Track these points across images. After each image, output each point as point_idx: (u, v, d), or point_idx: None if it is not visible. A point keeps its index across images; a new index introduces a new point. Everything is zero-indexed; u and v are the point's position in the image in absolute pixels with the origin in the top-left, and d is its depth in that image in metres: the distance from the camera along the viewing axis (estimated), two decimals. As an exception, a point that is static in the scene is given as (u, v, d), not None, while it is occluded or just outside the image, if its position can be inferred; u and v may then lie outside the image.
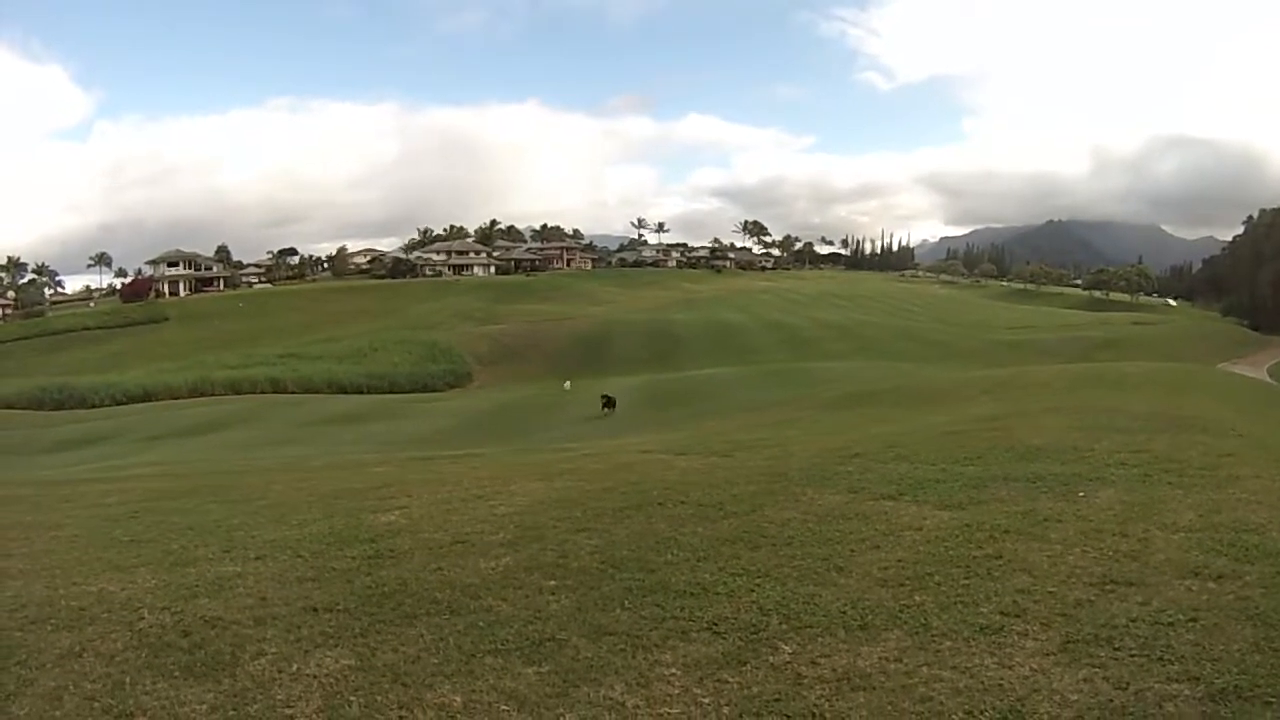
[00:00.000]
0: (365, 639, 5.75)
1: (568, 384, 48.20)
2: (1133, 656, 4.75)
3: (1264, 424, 16.14)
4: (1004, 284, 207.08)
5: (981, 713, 4.32)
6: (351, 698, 4.93)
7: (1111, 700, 4.33)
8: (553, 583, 6.73)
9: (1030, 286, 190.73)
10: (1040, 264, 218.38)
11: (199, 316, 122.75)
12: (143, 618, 6.40)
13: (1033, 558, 6.49)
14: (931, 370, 46.71)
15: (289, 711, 4.85)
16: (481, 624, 5.91)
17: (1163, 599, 5.47)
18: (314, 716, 4.78)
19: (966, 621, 5.36)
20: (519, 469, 13.27)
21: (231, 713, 4.86)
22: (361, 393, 67.15)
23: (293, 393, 67.33)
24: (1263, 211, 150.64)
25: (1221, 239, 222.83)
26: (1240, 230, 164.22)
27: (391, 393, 67.14)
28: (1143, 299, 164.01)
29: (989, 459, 10.51)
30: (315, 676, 5.25)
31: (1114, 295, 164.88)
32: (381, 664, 5.34)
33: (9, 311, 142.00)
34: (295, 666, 5.40)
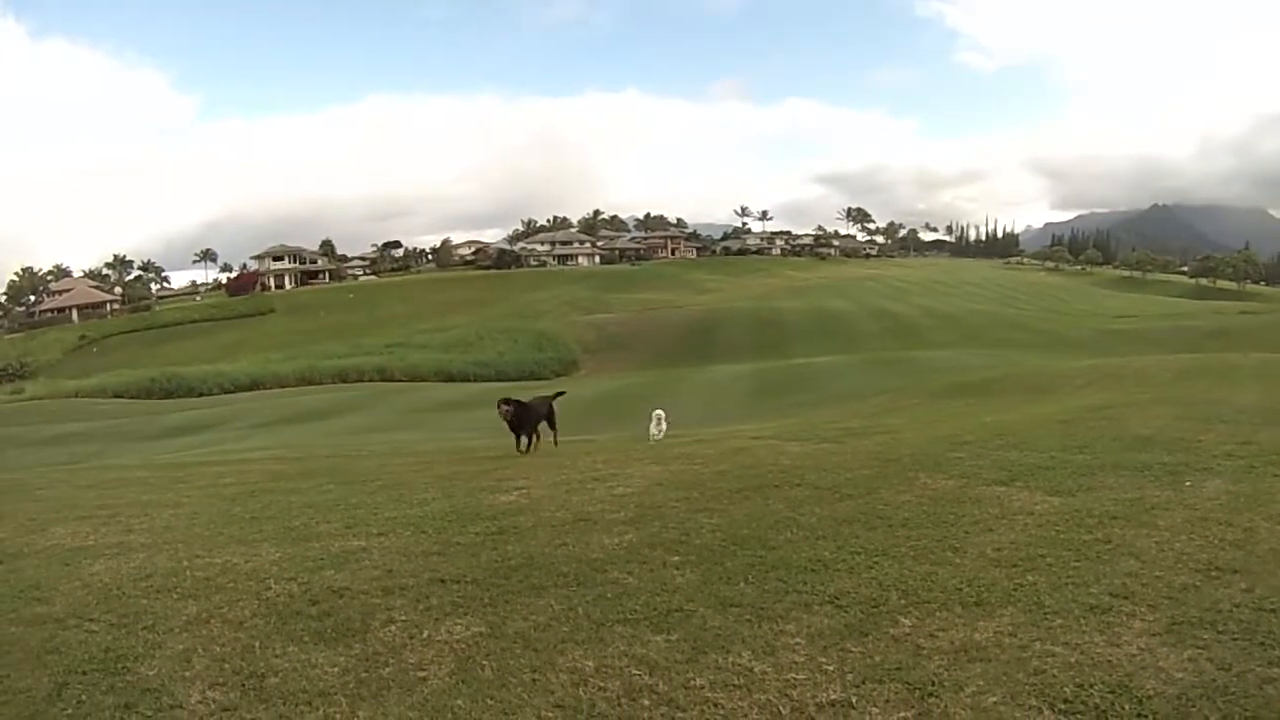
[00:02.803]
0: (494, 608, 5.97)
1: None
2: (1235, 640, 4.84)
3: None
4: (1110, 271, 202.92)
5: (1091, 686, 4.47)
6: (484, 661, 5.16)
7: (1214, 680, 4.44)
8: (676, 558, 6.91)
9: (1136, 274, 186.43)
10: (1145, 251, 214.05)
11: (305, 308, 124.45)
12: (269, 588, 6.71)
13: (1140, 543, 6.57)
14: (1038, 359, 46.02)
15: (421, 674, 5.10)
16: (609, 595, 6.11)
17: (1266, 586, 5.54)
18: (447, 678, 5.01)
19: (1077, 601, 5.50)
20: (633, 453, 13.60)
21: (364, 674, 5.13)
22: (469, 381, 67.30)
23: (400, 381, 67.62)
24: None
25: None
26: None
27: (499, 380, 66.95)
28: (1249, 287, 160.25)
29: (1097, 447, 10.48)
30: (446, 642, 5.49)
31: (1220, 283, 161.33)
32: (512, 631, 5.56)
33: (117, 307, 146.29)
34: (426, 633, 5.66)
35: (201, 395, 67.95)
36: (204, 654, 5.50)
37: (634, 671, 4.95)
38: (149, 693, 4.95)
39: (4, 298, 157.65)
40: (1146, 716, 4.21)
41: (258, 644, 5.61)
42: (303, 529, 8.83)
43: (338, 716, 4.65)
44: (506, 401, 15.44)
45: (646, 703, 4.63)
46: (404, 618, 5.94)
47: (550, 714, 4.54)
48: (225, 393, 68.01)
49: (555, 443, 15.68)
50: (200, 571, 7.25)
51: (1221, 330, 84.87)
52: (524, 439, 15.39)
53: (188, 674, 5.23)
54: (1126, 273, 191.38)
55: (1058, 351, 61.34)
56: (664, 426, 15.58)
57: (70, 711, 4.90)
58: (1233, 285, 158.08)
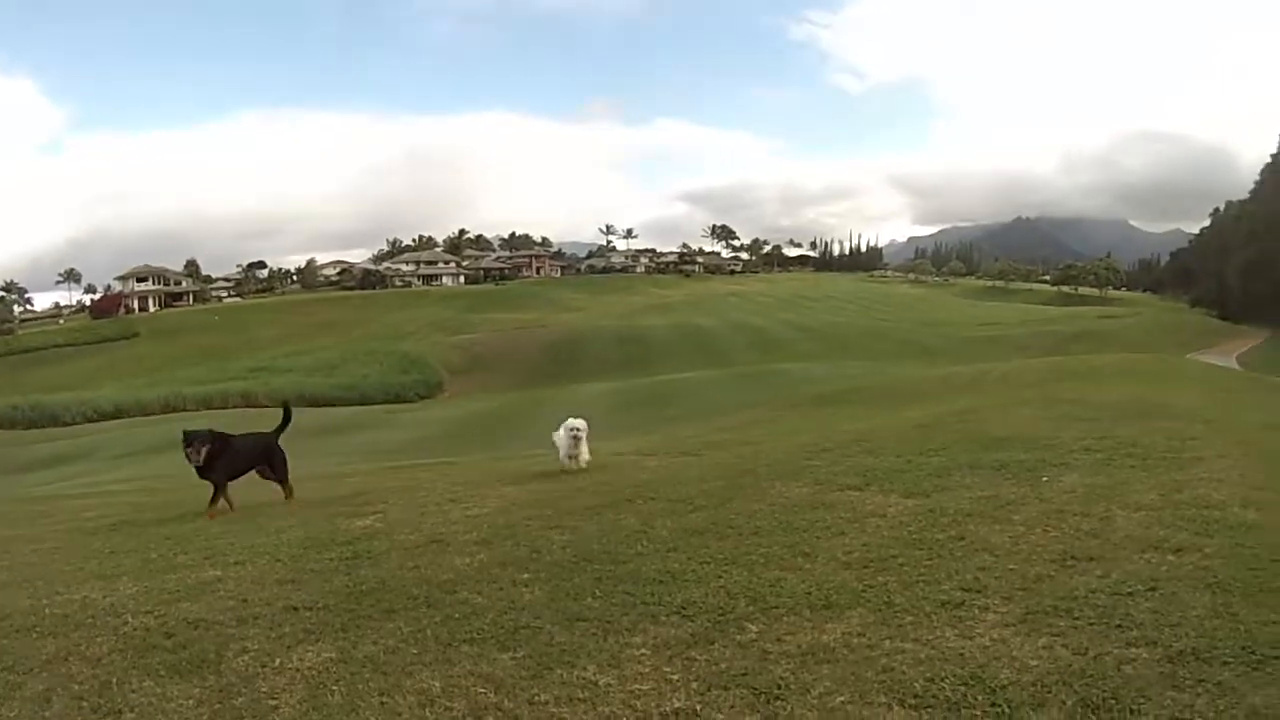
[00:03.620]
0: (345, 634, 5.88)
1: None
2: (1092, 625, 4.87)
3: (1231, 409, 16.23)
4: (973, 281, 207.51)
5: (942, 680, 4.43)
6: (334, 687, 5.07)
7: (1070, 665, 4.45)
8: (526, 575, 6.87)
9: (999, 283, 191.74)
10: (1009, 261, 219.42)
11: (169, 332, 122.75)
12: (126, 622, 6.52)
13: (995, 539, 6.59)
14: (902, 369, 47.00)
15: (273, 702, 4.99)
16: (458, 615, 6.06)
17: (1122, 571, 5.60)
18: (298, 706, 4.92)
19: (928, 598, 5.49)
20: (492, 474, 13.48)
21: (217, 706, 4.99)
22: (333, 405, 66.34)
23: (265, 406, 66.86)
24: (1229, 203, 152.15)
25: (1189, 231, 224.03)
26: (1207, 223, 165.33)
27: (363, 404, 66.72)
28: (1111, 293, 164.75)
29: (955, 449, 10.62)
30: (298, 670, 5.39)
31: (1083, 290, 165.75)
32: (362, 656, 5.48)
33: None
34: (278, 661, 5.55)
35: (66, 424, 66.99)
36: (63, 693, 5.40)
37: (479, 690, 4.92)
38: None
39: None
40: (1000, 706, 4.20)
41: (115, 680, 5.50)
42: (160, 561, 8.71)
43: None
44: (199, 439, 11.77)
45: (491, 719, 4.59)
46: (257, 647, 5.87)
47: None
48: (90, 421, 67.27)
49: (287, 496, 12.39)
50: (59, 609, 7.14)
51: (1083, 334, 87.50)
52: (221, 494, 11.95)
53: (47, 714, 5.16)
54: (990, 283, 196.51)
55: (921, 360, 62.86)
56: (582, 442, 12.27)
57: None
58: (1095, 292, 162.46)
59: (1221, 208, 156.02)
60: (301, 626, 6.10)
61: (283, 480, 12.49)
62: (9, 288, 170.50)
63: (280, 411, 13.25)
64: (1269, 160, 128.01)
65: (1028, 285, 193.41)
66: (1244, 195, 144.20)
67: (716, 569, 6.42)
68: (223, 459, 11.91)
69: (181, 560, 8.53)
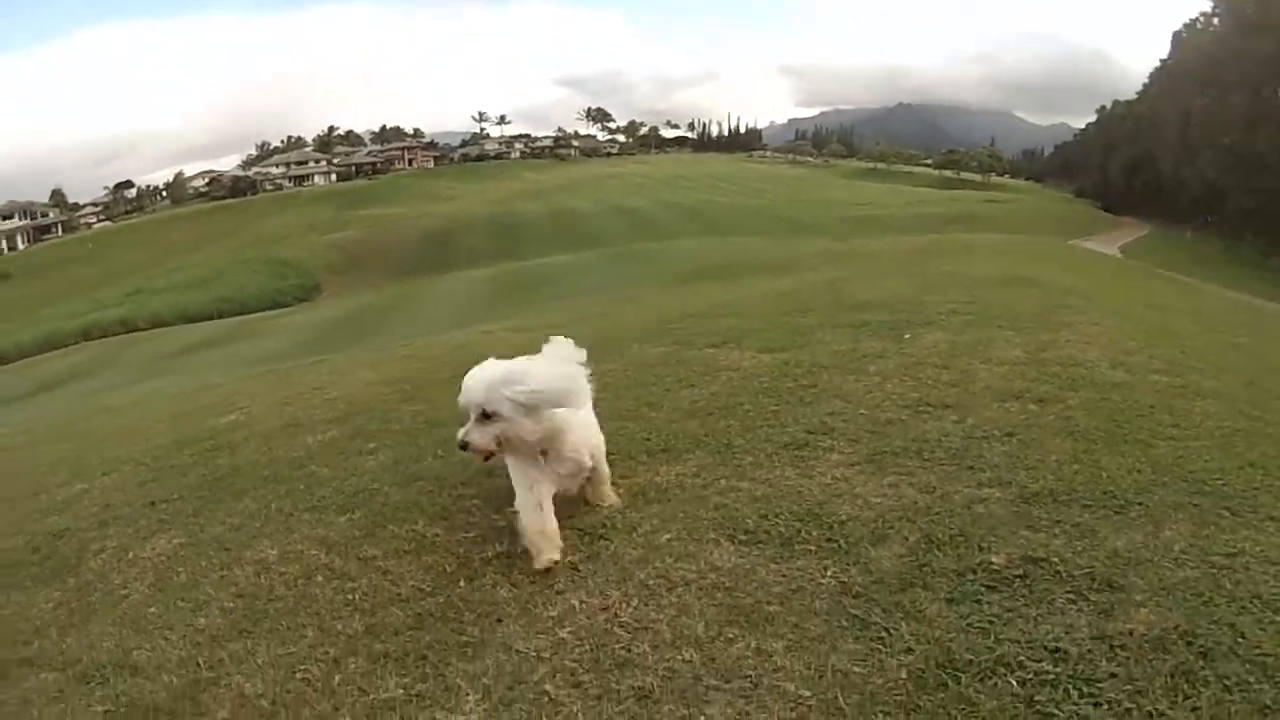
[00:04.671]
0: (196, 519, 6.02)
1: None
2: (942, 465, 4.95)
3: (1110, 290, 16.42)
4: (854, 164, 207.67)
5: (777, 516, 4.50)
6: (180, 569, 5.24)
7: (916, 502, 4.51)
8: (373, 445, 6.98)
9: (880, 166, 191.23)
10: (890, 145, 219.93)
11: (42, 268, 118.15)
12: None
13: (848, 388, 6.67)
14: (778, 245, 47.35)
15: (124, 591, 5.16)
16: (302, 488, 6.19)
17: (979, 418, 5.68)
18: (146, 590, 5.10)
19: (771, 440, 5.58)
20: (362, 363, 13.44)
21: (75, 604, 5.17)
22: (213, 319, 64.41)
23: (144, 329, 64.50)
24: (1116, 102, 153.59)
25: (1075, 126, 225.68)
26: (1093, 119, 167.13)
27: (243, 314, 65.01)
28: (995, 180, 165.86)
29: (818, 312, 10.64)
30: (149, 559, 5.54)
31: (965, 176, 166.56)
32: (209, 537, 5.61)
33: None
34: (131, 554, 5.69)
35: None
36: None
37: (313, 553, 5.09)
38: None
39: None
40: (837, 540, 4.25)
41: None
42: (30, 485, 8.64)
43: (49, 646, 4.72)
44: None
45: (320, 579, 4.76)
46: (114, 544, 5.98)
47: (232, 604, 4.68)
48: None
49: None
50: None
51: (964, 216, 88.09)
52: None
53: None
54: (870, 165, 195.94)
55: (799, 238, 62.89)
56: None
57: None
58: (977, 178, 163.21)
59: (1109, 105, 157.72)
60: (158, 519, 6.21)
61: None
62: None
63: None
64: (1158, 64, 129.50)
65: (909, 169, 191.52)
66: (1128, 96, 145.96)
67: None
68: None
69: (51, 481, 8.49)
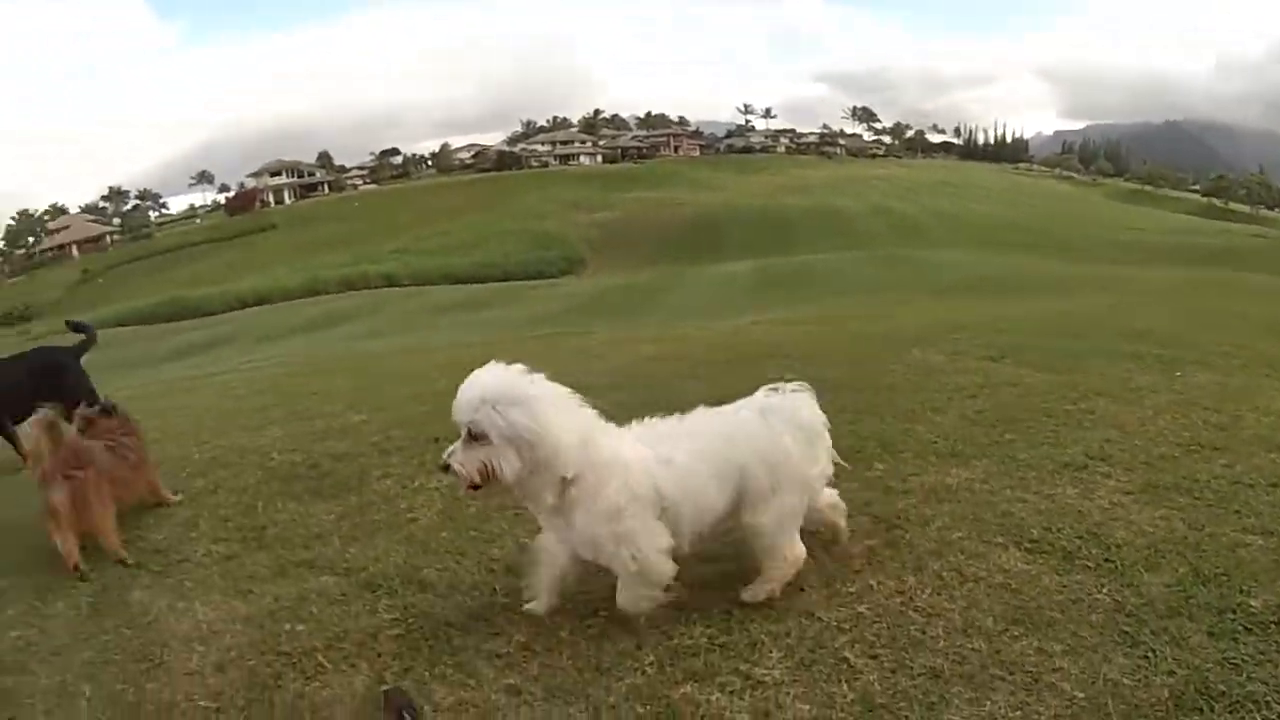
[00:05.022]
0: None
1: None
2: (1210, 506, 4.95)
3: None
4: (1120, 184, 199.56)
5: (1060, 530, 4.64)
6: (470, 504, 5.57)
7: (1185, 537, 4.56)
8: (661, 414, 7.08)
9: (1147, 188, 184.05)
10: (1158, 165, 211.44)
11: (307, 221, 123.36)
12: (272, 459, 7.13)
13: (1123, 417, 6.67)
14: (1049, 265, 46.29)
15: (411, 516, 5.61)
16: None
17: (1247, 465, 5.60)
18: (435, 518, 5.53)
19: (1052, 458, 5.68)
20: (633, 339, 13.77)
21: (358, 520, 5.62)
22: (476, 282, 65.57)
23: (407, 285, 66.87)
24: None
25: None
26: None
27: (505, 280, 66.04)
28: (1263, 212, 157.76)
29: (1092, 337, 10.59)
30: (436, 489, 5.96)
31: (1233, 205, 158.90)
32: None
33: (116, 237, 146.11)
34: (418, 483, 6.14)
35: (209, 315, 66.33)
36: (209, 517, 5.93)
37: None
38: (158, 553, 5.42)
39: (3, 244, 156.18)
40: (1114, 561, 4.35)
41: (260, 504, 6.05)
42: (307, 410, 9.25)
43: (330, 553, 5.11)
44: None
45: None
46: (398, 473, 6.40)
47: (526, 539, 4.83)
48: (232, 310, 67.02)
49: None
50: (208, 454, 7.59)
51: (1229, 250, 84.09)
52: None
53: (193, 534, 5.69)
54: (1138, 186, 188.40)
55: (1064, 257, 61.25)
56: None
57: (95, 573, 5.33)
58: (1245, 208, 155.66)
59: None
60: (436, 455, 6.23)
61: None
62: (143, 195, 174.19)
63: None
64: None
65: (1176, 193, 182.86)
66: None
67: (850, 416, 6.69)
68: None
69: (328, 409, 9.13)
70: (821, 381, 7.64)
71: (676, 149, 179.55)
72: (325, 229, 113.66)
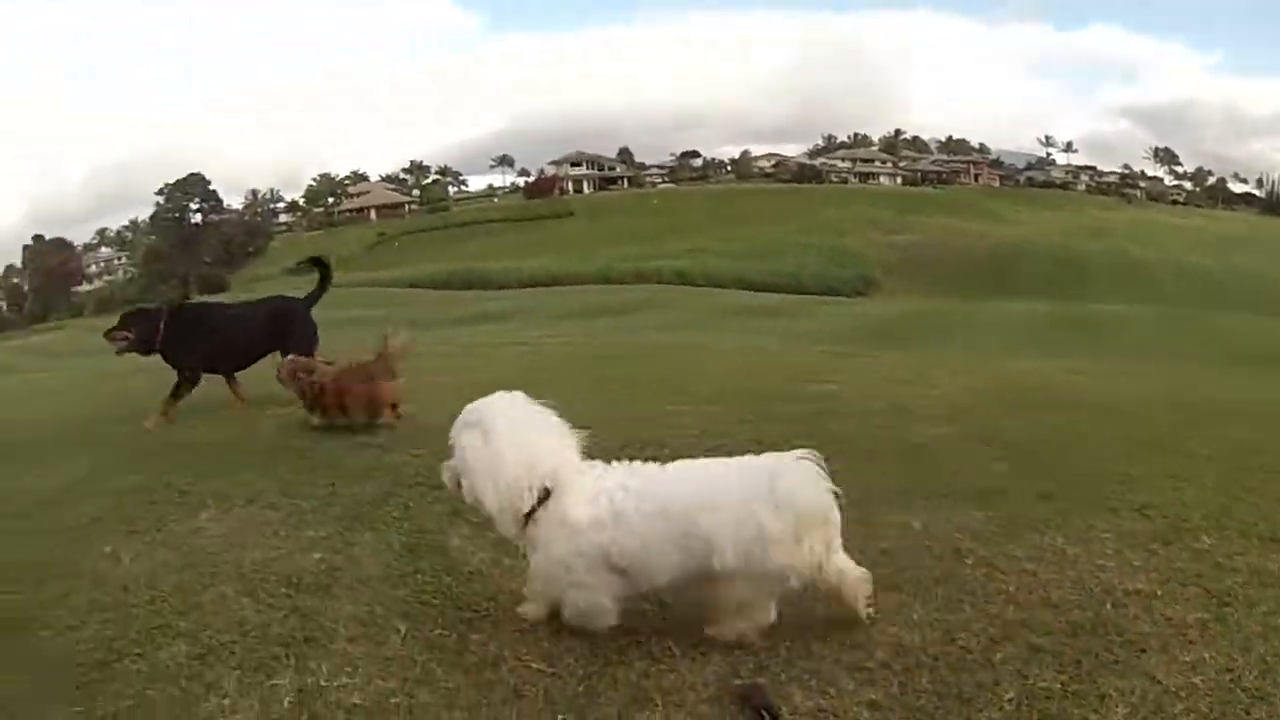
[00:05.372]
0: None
1: None
2: None
3: None
4: None
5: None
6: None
7: None
8: (990, 450, 7.35)
9: None
10: None
11: (604, 212, 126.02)
12: (594, 435, 7.09)
13: None
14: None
15: None
16: (924, 471, 6.57)
17: None
18: None
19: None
20: (935, 368, 13.59)
21: None
22: (768, 290, 64.90)
23: (699, 285, 66.88)
24: None
25: None
26: None
27: (797, 293, 64.39)
28: None
29: None
30: None
31: None
32: (843, 490, 5.47)
33: (415, 207, 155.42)
34: None
35: (499, 288, 69.22)
36: None
37: (957, 535, 5.42)
38: (472, 506, 5.19)
39: (304, 201, 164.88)
40: None
41: None
42: (618, 393, 9.74)
43: None
44: (135, 319, 9.45)
45: (970, 562, 5.12)
46: None
47: (882, 557, 5.05)
48: (523, 287, 69.03)
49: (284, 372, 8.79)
50: None
51: None
52: (183, 391, 9.28)
53: None
54: None
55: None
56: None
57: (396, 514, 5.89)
58: None
59: None
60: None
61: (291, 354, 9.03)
62: (444, 171, 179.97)
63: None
64: None
65: None
66: None
67: (1172, 483, 6.62)
68: (188, 340, 9.31)
69: (638, 394, 9.68)
70: (1137, 443, 7.76)
71: (976, 177, 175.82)
72: (621, 222, 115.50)
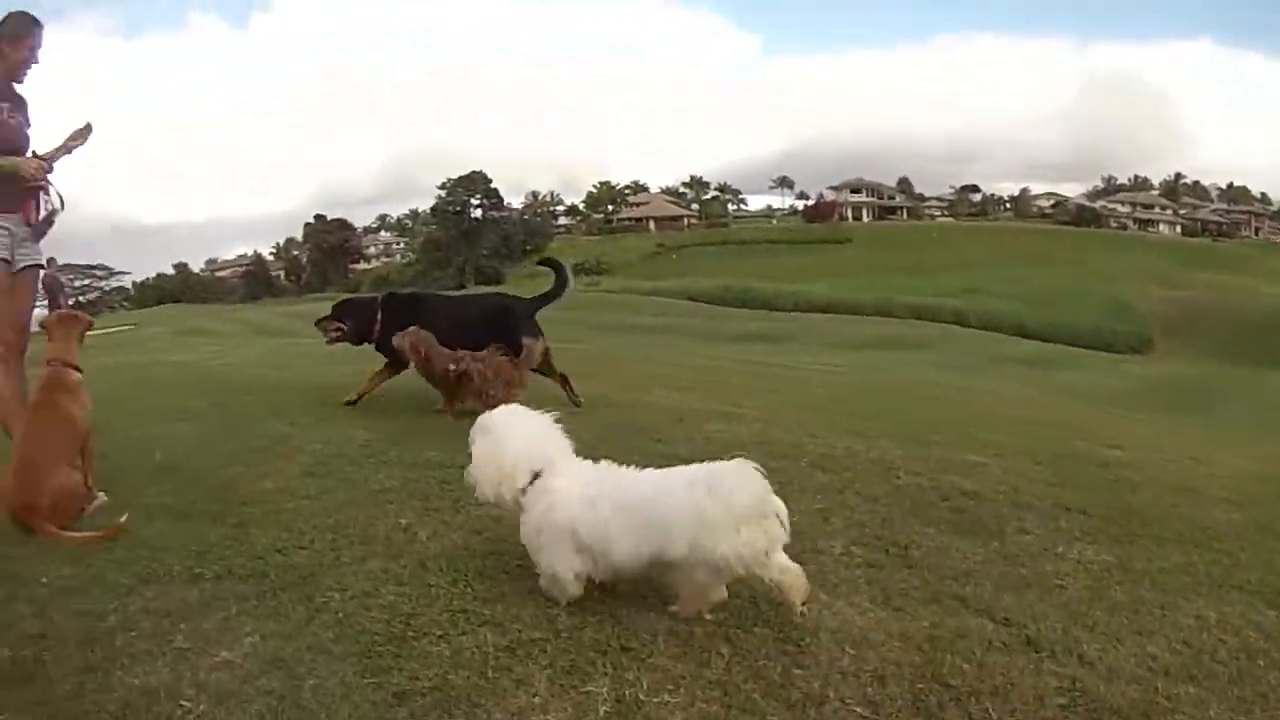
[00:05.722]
0: (1120, 545, 5.98)
1: None
2: None
3: None
4: None
5: None
6: (1116, 587, 5.25)
7: None
8: (1280, 545, 6.60)
9: None
10: None
11: (882, 242, 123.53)
12: (898, 477, 7.09)
13: None
14: None
15: (1059, 583, 5.27)
16: (1224, 562, 5.85)
17: None
18: (1083, 591, 5.16)
19: None
20: (1220, 444, 13.07)
21: (1004, 568, 5.39)
22: (1042, 340, 63.73)
23: (974, 327, 65.52)
24: None
25: None
26: None
27: (1071, 345, 62.44)
28: None
29: None
30: (1079, 561, 5.61)
31: None
32: (1139, 569, 5.58)
33: (693, 221, 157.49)
34: (1060, 549, 5.80)
35: (774, 310, 68.68)
36: (840, 516, 6.02)
37: (1250, 634, 4.84)
38: (797, 536, 4.82)
39: (583, 206, 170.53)
40: None
41: (895, 518, 6.08)
42: (915, 434, 9.14)
43: (983, 595, 4.97)
44: (349, 310, 9.73)
45: (1261, 663, 4.58)
46: (1036, 531, 6.16)
47: (1179, 646, 4.62)
48: (798, 311, 68.52)
49: (575, 401, 9.49)
50: (821, 449, 7.80)
51: None
52: (381, 377, 9.50)
53: (828, 528, 5.80)
54: None
55: None
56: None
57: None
58: None
59: None
60: (1076, 526, 6.29)
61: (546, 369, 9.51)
62: (723, 188, 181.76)
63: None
64: None
65: None
66: None
67: None
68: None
69: (936, 439, 8.96)
70: None
71: (1256, 230, 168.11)
72: (900, 254, 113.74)
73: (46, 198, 6.88)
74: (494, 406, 5.04)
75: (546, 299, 9.62)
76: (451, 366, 8.72)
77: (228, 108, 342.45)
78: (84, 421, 5.89)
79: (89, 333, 6.40)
